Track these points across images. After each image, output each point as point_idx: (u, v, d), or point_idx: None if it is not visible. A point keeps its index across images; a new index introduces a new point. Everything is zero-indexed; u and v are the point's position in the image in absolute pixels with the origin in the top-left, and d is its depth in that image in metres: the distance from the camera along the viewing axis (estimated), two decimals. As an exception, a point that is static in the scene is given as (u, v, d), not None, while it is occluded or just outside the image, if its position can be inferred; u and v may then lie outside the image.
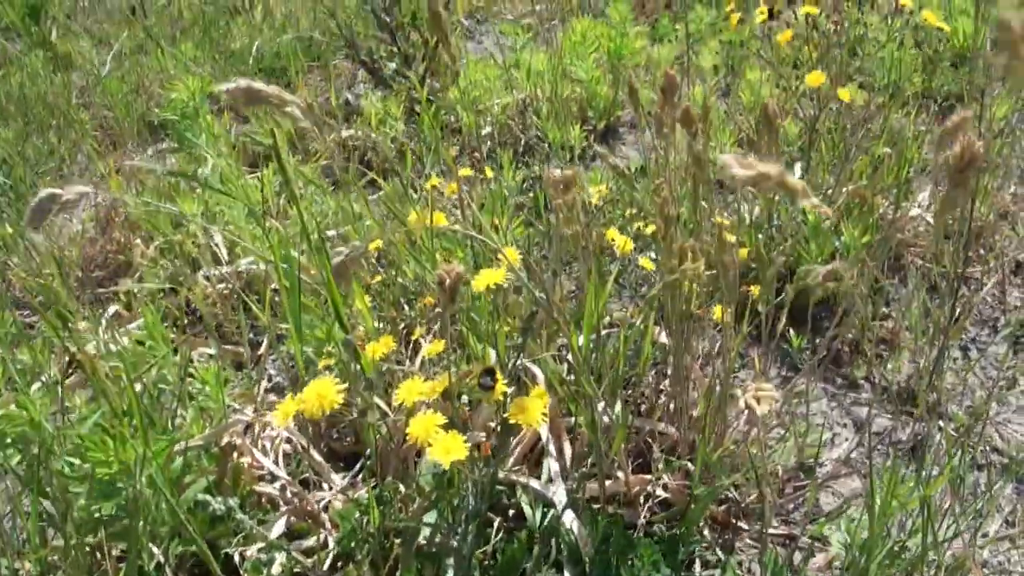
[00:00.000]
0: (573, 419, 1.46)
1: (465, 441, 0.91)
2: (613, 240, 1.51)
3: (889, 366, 1.84)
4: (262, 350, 1.98)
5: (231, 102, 1.10)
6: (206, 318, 2.00)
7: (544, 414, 1.11)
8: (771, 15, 1.93)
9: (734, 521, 1.45)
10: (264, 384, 1.87)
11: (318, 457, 1.53)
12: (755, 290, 1.64)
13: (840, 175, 2.03)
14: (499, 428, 1.00)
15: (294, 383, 1.80)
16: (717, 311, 1.48)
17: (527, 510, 1.29)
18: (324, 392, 0.96)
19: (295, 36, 3.54)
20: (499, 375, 0.97)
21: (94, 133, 2.84)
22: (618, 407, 1.33)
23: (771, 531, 1.44)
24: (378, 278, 1.70)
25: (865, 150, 2.13)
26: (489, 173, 1.99)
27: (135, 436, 1.24)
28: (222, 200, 2.07)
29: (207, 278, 2.03)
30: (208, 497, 1.17)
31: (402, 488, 1.31)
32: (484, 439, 0.99)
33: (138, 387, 1.51)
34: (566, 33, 3.01)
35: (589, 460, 1.35)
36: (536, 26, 3.67)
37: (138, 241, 2.09)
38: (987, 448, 1.65)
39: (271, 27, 3.71)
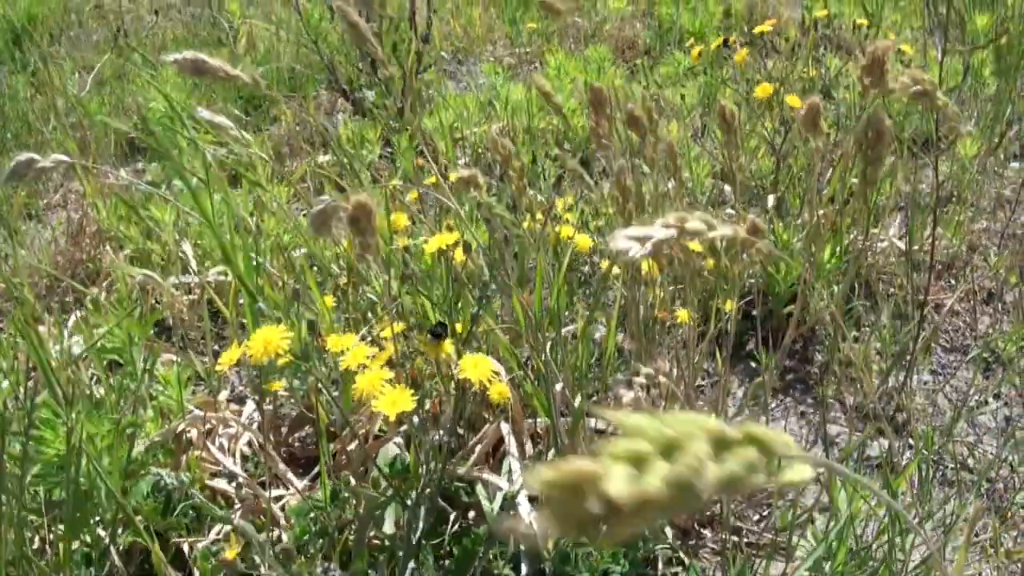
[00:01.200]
0: (536, 420, 1.45)
1: (413, 395, 0.89)
2: (570, 238, 1.50)
3: (858, 386, 1.83)
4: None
5: (180, 72, 1.09)
6: (173, 326, 1.98)
7: (505, 399, 1.10)
8: (726, 43, 1.97)
9: (698, 528, 1.43)
10: (226, 393, 1.85)
11: (275, 457, 1.50)
12: (728, 305, 1.64)
13: (808, 199, 2.03)
14: (452, 391, 0.98)
15: (257, 393, 1.78)
16: (682, 314, 1.48)
17: (485, 504, 1.27)
18: (270, 338, 0.94)
19: (276, 66, 3.55)
20: (448, 329, 0.96)
21: (72, 151, 2.83)
22: (578, 399, 1.32)
23: (735, 539, 1.42)
24: (343, 280, 1.69)
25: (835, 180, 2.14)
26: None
27: (83, 419, 1.21)
28: (194, 209, 2.06)
29: (175, 287, 2.01)
30: (161, 472, 1.14)
31: (354, 481, 1.29)
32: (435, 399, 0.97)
33: (100, 391, 1.50)
34: (543, 68, 3.04)
35: (550, 454, 1.33)
36: (516, 65, 3.71)
37: (107, 249, 2.07)
38: (957, 466, 1.63)
39: (254, 59, 3.73)
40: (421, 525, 1.05)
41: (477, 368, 0.90)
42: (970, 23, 3.35)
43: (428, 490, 1.10)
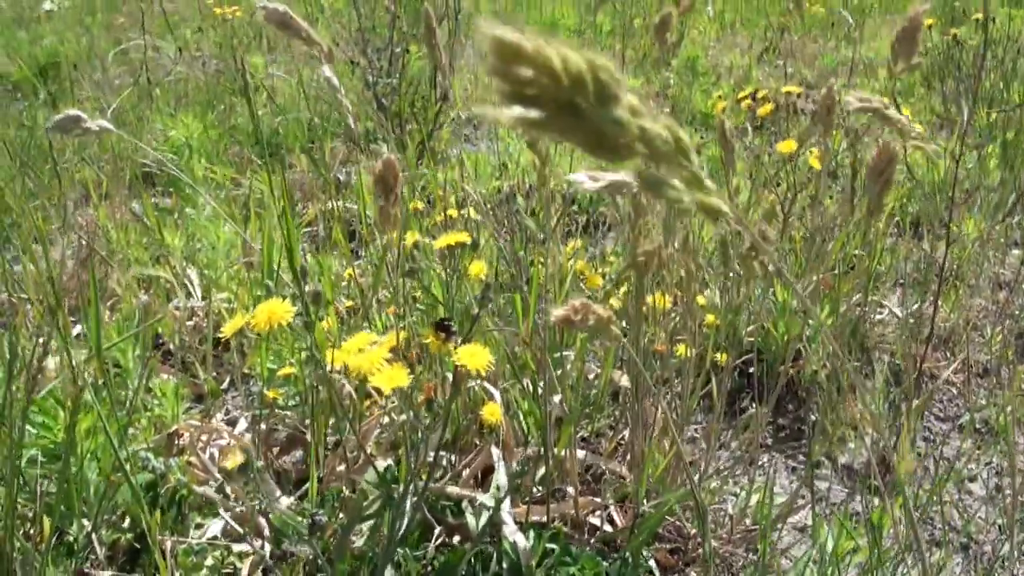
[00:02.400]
0: (526, 448, 1.45)
1: (409, 374, 0.90)
2: (581, 273, 1.52)
3: (851, 446, 1.83)
4: (224, 384, 1.97)
5: (263, 24, 1.13)
6: (173, 349, 1.99)
7: (497, 420, 1.11)
8: (754, 98, 2.00)
9: (681, 566, 1.42)
10: (221, 415, 1.86)
11: (266, 474, 1.50)
12: (722, 358, 1.65)
13: (810, 261, 2.06)
14: (450, 378, 1.00)
15: (253, 420, 1.79)
16: (681, 349, 1.49)
17: (470, 520, 1.27)
18: (275, 309, 0.95)
19: (295, 117, 3.63)
20: (455, 326, 0.97)
21: (87, 182, 2.88)
22: (557, 396, 1.32)
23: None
24: (349, 304, 1.71)
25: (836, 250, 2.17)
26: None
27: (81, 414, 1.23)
28: (203, 237, 2.09)
29: (178, 309, 2.03)
30: (149, 456, 1.15)
31: (345, 491, 1.29)
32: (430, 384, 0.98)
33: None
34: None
35: (539, 472, 1.34)
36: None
37: (115, 268, 2.09)
38: (945, 527, 1.63)
39: (273, 110, 3.81)
40: (406, 522, 1.05)
41: (475, 358, 0.91)
42: (977, 118, 3.43)
43: (416, 483, 1.10)
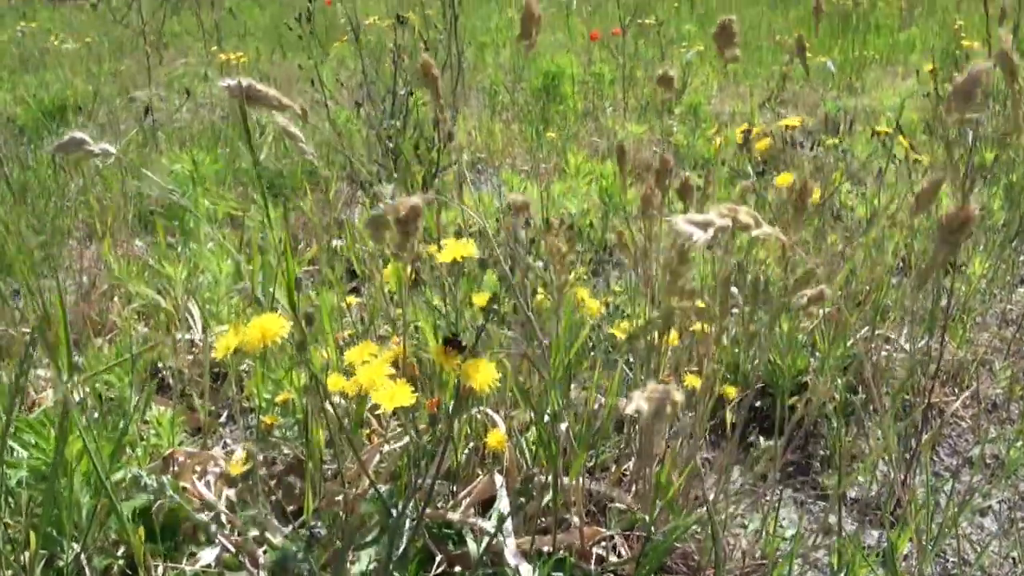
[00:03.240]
0: (531, 477, 1.42)
1: (413, 391, 0.88)
2: (582, 300, 1.50)
3: (860, 479, 1.80)
4: (222, 418, 1.95)
5: (229, 99, 1.12)
6: (172, 382, 1.97)
7: (502, 447, 1.08)
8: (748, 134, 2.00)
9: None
10: (219, 449, 1.83)
11: (262, 500, 1.47)
12: (729, 391, 1.63)
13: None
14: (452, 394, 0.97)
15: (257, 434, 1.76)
16: (690, 379, 1.47)
17: (471, 546, 1.24)
18: (268, 325, 0.93)
19: (300, 159, 3.64)
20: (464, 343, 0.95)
21: (88, 221, 2.87)
22: (564, 424, 1.30)
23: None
24: (349, 332, 1.69)
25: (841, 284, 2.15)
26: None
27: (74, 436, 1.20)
28: (206, 270, 2.08)
29: (177, 341, 2.01)
30: (142, 473, 1.12)
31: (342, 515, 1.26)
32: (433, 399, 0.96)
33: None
34: (562, 165, 3.10)
35: (544, 500, 1.31)
36: (533, 169, 3.78)
37: (116, 299, 2.08)
38: (959, 560, 1.59)
39: (279, 152, 3.82)
40: (404, 543, 1.02)
41: (480, 373, 0.89)
42: (978, 155, 3.43)
43: (414, 500, 1.08)
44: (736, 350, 2.00)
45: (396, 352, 0.94)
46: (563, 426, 1.28)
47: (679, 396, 0.68)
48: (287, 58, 6.38)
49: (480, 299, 1.12)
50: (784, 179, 1.91)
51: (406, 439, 1.16)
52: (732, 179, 3.37)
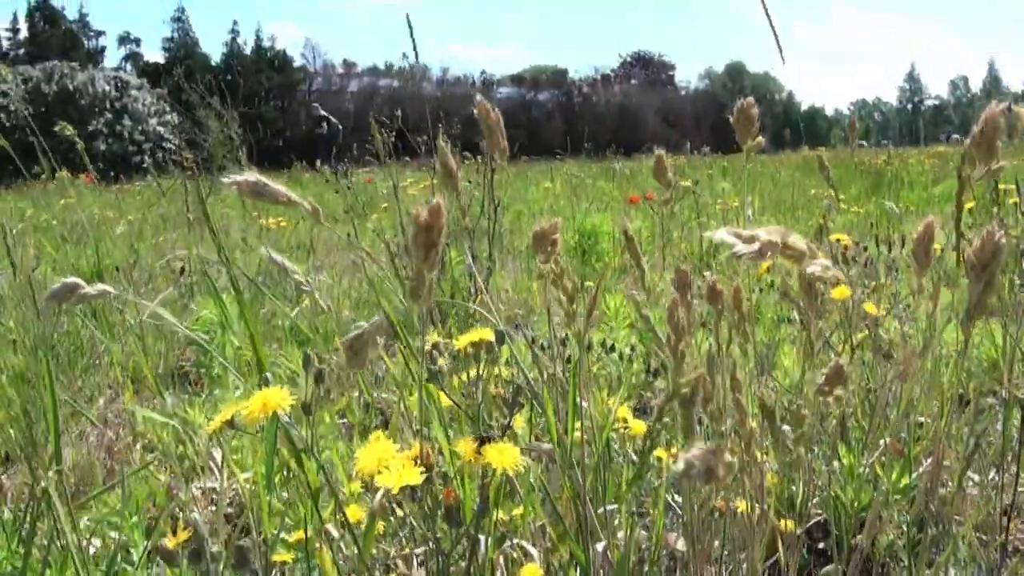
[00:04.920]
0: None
1: (422, 472, 0.77)
2: (625, 420, 1.40)
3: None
4: None
5: (238, 196, 1.07)
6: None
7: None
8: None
9: None
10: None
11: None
12: (789, 525, 1.50)
13: (873, 425, 1.92)
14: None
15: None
16: (742, 505, 1.34)
17: None
18: (271, 397, 0.84)
19: (336, 314, 3.61)
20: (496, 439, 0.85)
21: (119, 378, 2.83)
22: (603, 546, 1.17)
23: None
24: (344, 401, 1.59)
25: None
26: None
27: None
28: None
29: (200, 491, 1.92)
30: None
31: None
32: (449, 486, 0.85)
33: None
34: (598, 309, 3.03)
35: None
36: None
37: (138, 447, 2.00)
38: None
39: (315, 310, 3.80)
40: None
41: (502, 456, 0.79)
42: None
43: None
44: (789, 483, 1.87)
45: (416, 451, 0.85)
46: (599, 546, 1.16)
47: (731, 458, 0.58)
48: (338, 224, 6.49)
49: (472, 336, 1.02)
50: (841, 292, 1.83)
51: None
52: (777, 322, 3.28)
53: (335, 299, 3.97)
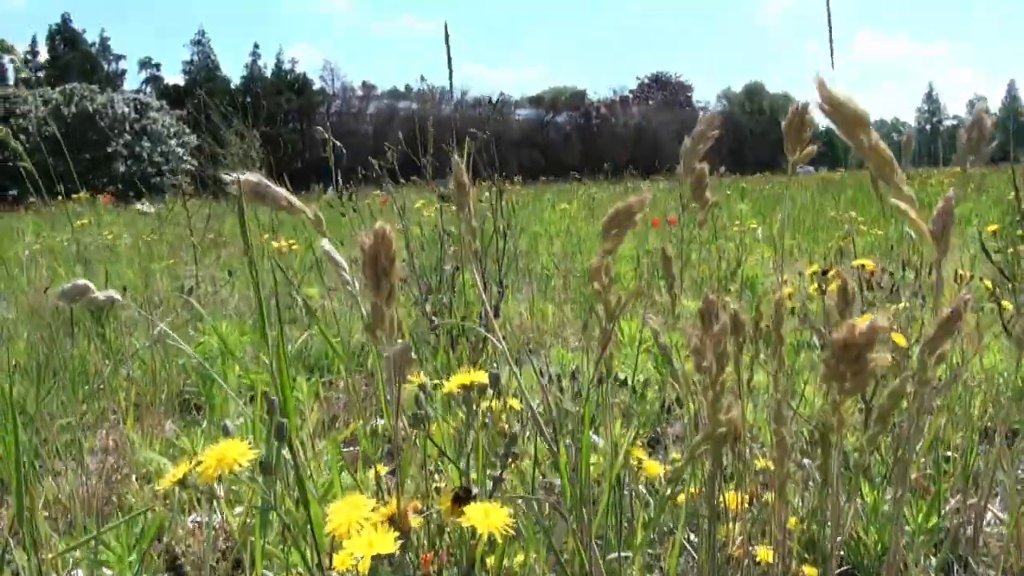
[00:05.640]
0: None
1: (397, 539, 0.70)
2: (639, 460, 1.33)
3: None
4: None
5: (237, 196, 1.01)
6: (188, 568, 1.80)
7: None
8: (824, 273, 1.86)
9: None
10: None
11: None
12: (810, 572, 1.42)
13: (898, 458, 1.83)
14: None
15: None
16: (763, 553, 1.27)
17: None
18: (227, 452, 0.77)
19: (348, 340, 3.56)
20: (474, 493, 0.78)
21: (124, 403, 2.78)
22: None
23: None
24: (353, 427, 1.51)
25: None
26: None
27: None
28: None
29: (197, 524, 1.85)
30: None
31: None
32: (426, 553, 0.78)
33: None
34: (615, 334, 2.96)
35: None
36: (585, 347, 3.65)
37: (134, 479, 1.94)
38: None
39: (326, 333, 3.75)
40: None
41: (488, 518, 0.72)
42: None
43: None
44: (812, 523, 1.79)
45: (391, 509, 0.78)
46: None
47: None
48: (342, 248, 6.43)
49: (462, 379, 0.94)
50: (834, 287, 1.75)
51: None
52: (796, 348, 3.20)
53: (346, 322, 3.91)
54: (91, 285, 1.22)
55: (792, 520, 1.66)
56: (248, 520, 1.86)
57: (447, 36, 2.35)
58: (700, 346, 0.97)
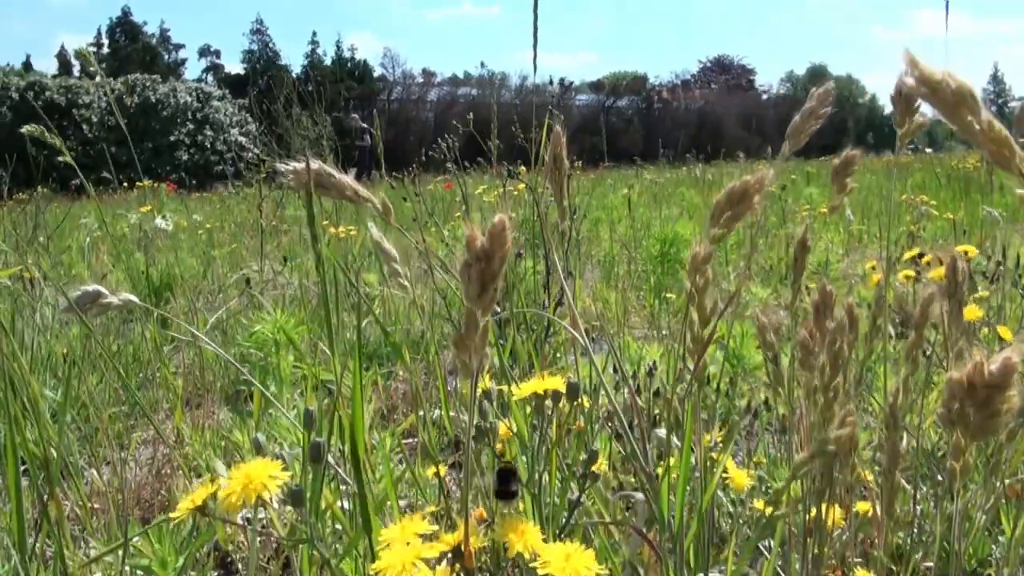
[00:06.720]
0: None
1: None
2: (725, 471, 1.21)
3: None
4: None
5: (298, 187, 0.91)
6: (241, 568, 1.72)
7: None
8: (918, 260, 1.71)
9: None
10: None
11: None
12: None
13: (991, 467, 1.68)
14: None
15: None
16: (861, 574, 1.14)
17: None
18: (254, 474, 0.66)
19: (407, 328, 3.48)
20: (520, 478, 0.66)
21: (174, 393, 2.72)
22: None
23: None
24: (432, 507, 1.41)
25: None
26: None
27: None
28: (283, 441, 1.86)
29: (247, 520, 1.77)
30: None
31: None
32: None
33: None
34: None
35: None
36: (653, 336, 3.53)
37: (180, 475, 1.87)
38: None
39: (385, 320, 3.67)
40: None
41: (570, 562, 0.60)
42: None
43: None
44: (901, 534, 1.65)
45: (457, 537, 0.66)
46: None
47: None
48: (409, 235, 6.36)
49: (535, 386, 0.82)
50: (971, 313, 1.60)
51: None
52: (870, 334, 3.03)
53: (405, 310, 3.82)
54: (103, 290, 1.13)
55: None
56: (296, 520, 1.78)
57: (536, 17, 2.20)
58: (809, 342, 0.84)
